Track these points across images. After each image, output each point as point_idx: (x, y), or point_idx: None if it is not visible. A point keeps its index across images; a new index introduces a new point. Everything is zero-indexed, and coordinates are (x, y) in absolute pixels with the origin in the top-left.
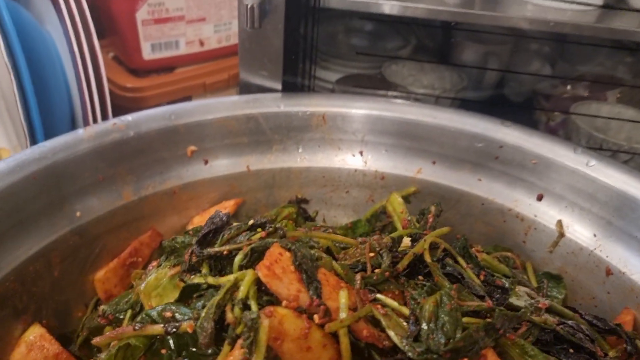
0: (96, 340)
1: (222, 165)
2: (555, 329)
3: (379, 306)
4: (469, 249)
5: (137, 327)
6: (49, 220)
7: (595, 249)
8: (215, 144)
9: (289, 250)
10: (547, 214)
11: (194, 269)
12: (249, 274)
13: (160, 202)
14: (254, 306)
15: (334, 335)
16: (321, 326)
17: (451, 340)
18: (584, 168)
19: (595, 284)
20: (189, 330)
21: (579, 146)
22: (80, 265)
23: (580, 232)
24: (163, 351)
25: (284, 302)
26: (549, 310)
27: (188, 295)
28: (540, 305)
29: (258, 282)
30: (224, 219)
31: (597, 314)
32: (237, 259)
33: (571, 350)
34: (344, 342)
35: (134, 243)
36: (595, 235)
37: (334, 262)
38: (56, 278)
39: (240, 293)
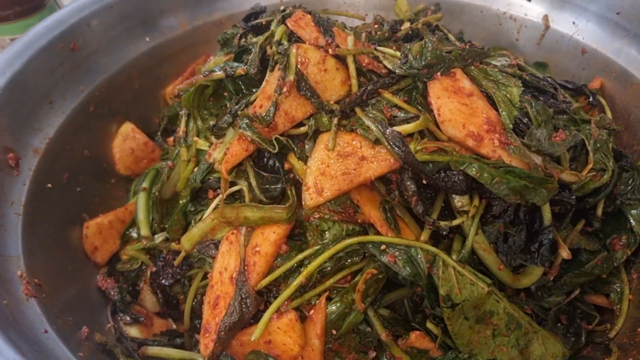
0: (180, 87)
1: (259, 3)
2: (522, 75)
3: (379, 53)
4: (462, 38)
5: (205, 74)
6: (126, 43)
7: (574, 34)
8: None
9: (309, 13)
10: (536, 11)
11: (242, 51)
12: (281, 26)
13: (210, 32)
14: (286, 42)
15: (344, 64)
16: (334, 57)
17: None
18: None
19: (573, 63)
20: (242, 73)
21: None
22: (153, 81)
23: (563, 21)
24: (225, 94)
25: (307, 42)
26: (522, 69)
27: (239, 58)
28: (513, 62)
29: (288, 35)
30: (262, 6)
31: None
32: (274, 23)
33: (536, 94)
34: (351, 66)
35: (192, 65)
36: (574, 23)
37: (344, 27)
38: (137, 90)
39: (276, 36)
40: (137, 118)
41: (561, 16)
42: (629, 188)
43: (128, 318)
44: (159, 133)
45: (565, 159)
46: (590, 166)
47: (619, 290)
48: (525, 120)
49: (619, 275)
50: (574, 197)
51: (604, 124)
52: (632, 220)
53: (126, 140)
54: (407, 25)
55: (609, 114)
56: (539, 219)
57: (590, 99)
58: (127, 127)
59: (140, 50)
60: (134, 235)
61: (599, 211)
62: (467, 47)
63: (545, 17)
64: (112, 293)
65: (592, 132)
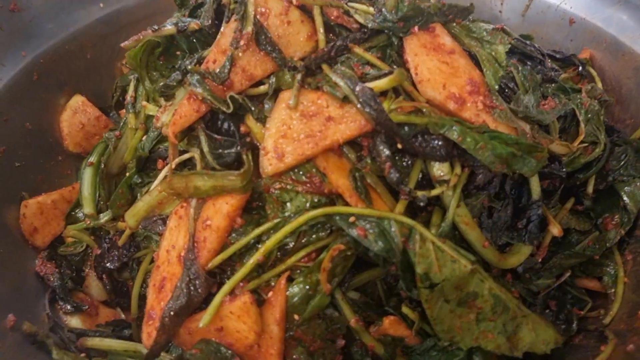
0: (125, 44)
1: None
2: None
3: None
4: None
5: (154, 29)
6: (76, 7)
7: (561, 3)
8: None
9: None
10: None
11: (197, 5)
12: None
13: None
14: None
15: (310, 17)
16: (299, 8)
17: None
18: None
19: (560, 35)
20: (196, 27)
21: None
22: (108, 52)
23: None
24: (178, 53)
25: None
26: (507, 33)
27: (194, 13)
28: (497, 27)
29: None
30: None
31: None
32: None
33: (523, 59)
34: (318, 19)
35: None
36: None
37: None
38: (89, 60)
39: None
40: (90, 91)
41: None
42: (622, 163)
43: (69, 307)
44: (112, 102)
45: (554, 129)
46: (581, 137)
47: (612, 272)
48: (512, 85)
49: (612, 256)
50: (564, 169)
51: (595, 95)
52: (625, 198)
53: (76, 114)
54: None
55: (599, 86)
56: (527, 193)
57: (580, 69)
58: (77, 100)
59: (93, 17)
60: (81, 216)
61: (590, 188)
62: None
63: None
64: (52, 279)
65: (583, 101)
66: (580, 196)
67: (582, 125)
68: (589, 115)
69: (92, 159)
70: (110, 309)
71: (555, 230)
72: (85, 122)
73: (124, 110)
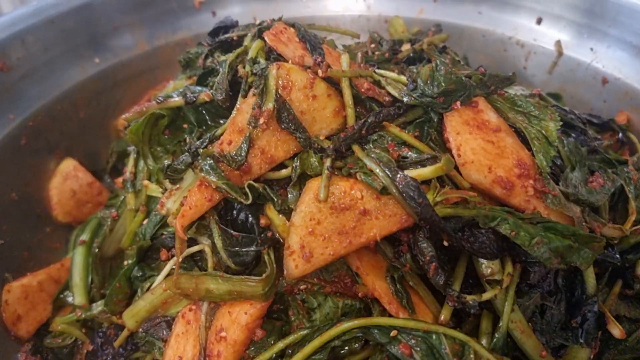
0: (126, 116)
1: (230, 16)
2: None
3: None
4: (468, 64)
5: (159, 100)
6: (70, 64)
7: (592, 61)
8: None
9: (292, 26)
10: (546, 36)
11: (207, 72)
12: (257, 41)
13: (173, 53)
14: (263, 61)
15: (338, 89)
16: (325, 80)
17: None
18: None
19: (592, 95)
20: (207, 99)
21: None
22: (103, 110)
23: (578, 47)
24: (185, 126)
25: (290, 61)
26: (544, 99)
27: (204, 80)
28: (534, 92)
29: (266, 52)
30: (233, 20)
31: None
32: (247, 38)
33: (566, 129)
34: (347, 92)
35: (150, 92)
36: (592, 49)
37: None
38: (82, 120)
39: (251, 53)
40: (82, 154)
41: (576, 42)
42: None
43: None
44: (107, 168)
45: (604, 210)
46: (633, 217)
47: None
48: (558, 161)
49: None
50: (618, 255)
51: None
52: None
53: (67, 180)
54: (407, 46)
55: None
56: (580, 285)
57: (620, 136)
58: (69, 165)
59: (88, 74)
60: (71, 299)
61: (639, 270)
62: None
63: (558, 43)
64: None
65: (631, 175)
66: (627, 278)
67: (632, 202)
68: (639, 191)
69: (85, 236)
70: None
71: (616, 332)
72: (76, 188)
73: (120, 179)
